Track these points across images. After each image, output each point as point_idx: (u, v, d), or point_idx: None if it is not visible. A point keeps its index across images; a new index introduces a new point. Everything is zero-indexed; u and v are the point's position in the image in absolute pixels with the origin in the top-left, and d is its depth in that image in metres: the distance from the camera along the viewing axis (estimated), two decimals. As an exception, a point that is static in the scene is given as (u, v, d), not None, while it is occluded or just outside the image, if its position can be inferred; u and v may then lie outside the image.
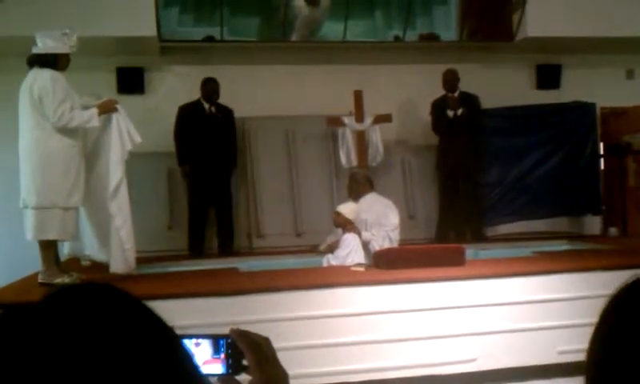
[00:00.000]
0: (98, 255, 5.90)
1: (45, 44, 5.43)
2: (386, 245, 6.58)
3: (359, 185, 7.08)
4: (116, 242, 5.50)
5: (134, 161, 6.01)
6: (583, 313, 4.85)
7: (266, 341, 1.15)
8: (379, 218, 6.82)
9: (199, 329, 4.17)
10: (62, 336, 0.67)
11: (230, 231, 7.84)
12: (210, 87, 7.73)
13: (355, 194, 7.01)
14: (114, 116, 5.58)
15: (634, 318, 0.85)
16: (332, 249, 6.73)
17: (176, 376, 0.73)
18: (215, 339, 1.17)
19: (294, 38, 8.49)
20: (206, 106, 7.75)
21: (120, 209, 5.49)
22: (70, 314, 0.70)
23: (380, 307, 5.14)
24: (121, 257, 5.51)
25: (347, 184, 7.25)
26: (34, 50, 5.45)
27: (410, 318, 5.16)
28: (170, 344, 0.75)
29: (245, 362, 1.14)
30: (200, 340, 1.16)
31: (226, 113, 7.84)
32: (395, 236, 6.80)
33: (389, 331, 5.11)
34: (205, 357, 1.16)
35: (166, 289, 5.24)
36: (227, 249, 7.71)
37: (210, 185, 7.62)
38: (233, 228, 7.89)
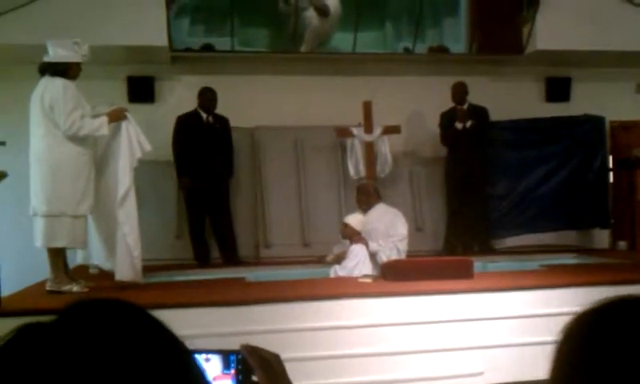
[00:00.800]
0: (106, 264, 5.92)
1: (56, 53, 5.47)
2: (394, 256, 6.57)
3: (370, 196, 7.06)
4: (123, 249, 5.51)
5: (143, 169, 6.03)
6: (591, 327, 4.82)
7: (276, 357, 1.16)
8: (387, 229, 6.80)
9: (206, 338, 4.17)
10: (76, 353, 0.68)
11: (232, 240, 7.83)
12: (208, 97, 7.75)
13: (366, 206, 6.98)
14: (124, 124, 5.61)
15: (605, 342, 0.84)
16: (339, 259, 6.72)
17: None
18: (226, 355, 1.17)
19: (303, 48, 8.52)
20: (204, 115, 7.77)
21: (128, 216, 5.50)
22: (84, 332, 0.71)
23: (387, 319, 5.13)
24: (128, 264, 5.52)
25: (356, 196, 7.18)
26: (46, 59, 5.49)
27: (418, 330, 5.15)
28: (182, 359, 0.76)
29: (255, 378, 1.15)
30: (210, 355, 1.17)
31: (223, 122, 7.86)
32: (403, 247, 6.78)
33: (396, 343, 5.10)
34: (215, 372, 1.16)
35: (173, 298, 5.25)
36: (230, 258, 7.70)
37: (207, 194, 7.63)
38: (234, 237, 7.87)
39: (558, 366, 0.88)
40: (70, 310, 0.74)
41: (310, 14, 8.38)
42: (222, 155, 7.78)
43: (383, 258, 6.53)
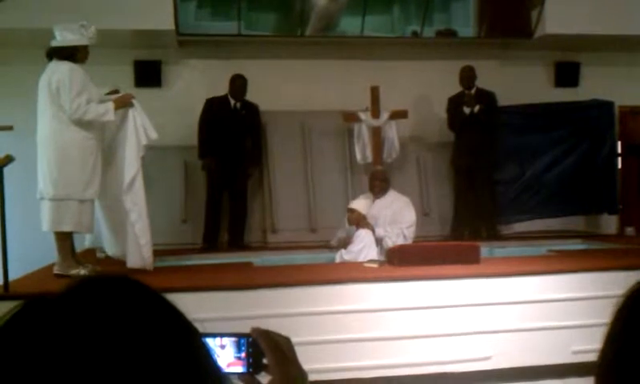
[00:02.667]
0: (112, 249, 5.93)
1: (63, 37, 5.46)
2: (400, 242, 6.57)
3: (385, 182, 7.08)
4: (131, 236, 5.50)
5: (150, 154, 6.03)
6: (598, 313, 4.81)
7: (287, 341, 1.16)
8: (395, 216, 6.82)
9: (213, 322, 4.19)
10: (82, 328, 0.68)
11: (242, 227, 7.87)
12: (239, 84, 7.80)
13: (380, 191, 6.98)
14: (131, 111, 5.58)
15: None
16: (345, 244, 6.73)
17: (195, 370, 0.73)
18: (237, 338, 1.18)
19: (309, 30, 8.48)
20: (232, 101, 7.80)
21: (135, 203, 5.49)
22: (91, 307, 0.71)
23: (393, 304, 5.13)
24: (137, 252, 5.51)
25: (370, 182, 7.13)
26: (53, 43, 5.47)
27: (424, 315, 5.16)
28: (189, 339, 0.76)
29: (265, 361, 1.15)
30: (224, 340, 1.17)
31: (251, 110, 7.90)
32: (410, 233, 6.79)
33: (402, 328, 5.11)
34: (229, 359, 1.17)
35: (181, 282, 5.26)
36: (237, 242, 7.75)
37: (227, 179, 7.66)
38: (245, 224, 7.92)
39: (608, 349, 0.88)
40: (76, 286, 0.74)
41: (317, -5, 8.34)
42: (248, 141, 7.85)
43: (389, 243, 6.53)
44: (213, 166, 7.63)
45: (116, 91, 5.79)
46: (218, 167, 7.62)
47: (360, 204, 6.75)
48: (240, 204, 7.85)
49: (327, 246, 7.20)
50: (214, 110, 7.75)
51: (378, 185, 7.01)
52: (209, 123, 7.71)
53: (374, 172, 7.29)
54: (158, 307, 0.75)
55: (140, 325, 0.71)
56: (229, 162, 7.65)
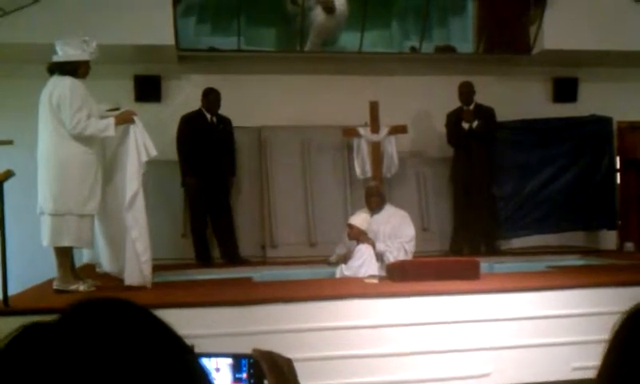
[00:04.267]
0: (109, 266, 5.91)
1: (65, 52, 5.48)
2: (401, 256, 6.57)
3: (381, 197, 7.07)
4: (131, 253, 5.46)
5: (149, 168, 6.03)
6: (598, 329, 4.80)
7: (288, 362, 1.16)
8: (395, 231, 6.81)
9: (214, 338, 4.18)
10: (78, 353, 0.68)
11: (233, 239, 7.84)
12: (212, 98, 7.78)
13: (377, 206, 6.98)
14: (131, 127, 5.56)
15: None
16: (345, 259, 6.73)
17: None
18: (237, 359, 1.18)
19: (307, 46, 8.52)
20: (208, 116, 7.80)
21: (136, 220, 5.45)
22: (87, 331, 0.71)
23: (393, 319, 5.12)
24: (136, 269, 5.48)
25: (367, 198, 7.09)
26: (54, 58, 5.49)
27: (424, 331, 5.14)
28: (185, 360, 0.76)
29: (266, 383, 1.15)
30: (221, 361, 1.18)
31: (226, 123, 7.89)
32: (410, 248, 6.78)
33: (402, 344, 5.09)
34: (226, 382, 1.17)
35: (180, 297, 5.25)
36: (231, 257, 7.72)
37: (209, 194, 7.64)
38: (235, 236, 7.88)
39: (608, 365, 0.89)
40: (72, 309, 0.74)
41: (316, 12, 8.38)
42: (226, 155, 7.82)
43: (390, 258, 6.53)
44: (194, 182, 7.57)
45: (117, 108, 5.80)
46: (199, 184, 7.58)
47: (359, 219, 6.75)
48: (226, 219, 7.81)
49: (326, 262, 7.19)
50: (191, 127, 7.71)
51: (374, 200, 7.00)
52: (188, 140, 7.67)
53: (369, 188, 7.26)
54: (154, 329, 0.75)
55: (136, 348, 0.71)
56: (210, 179, 7.62)
